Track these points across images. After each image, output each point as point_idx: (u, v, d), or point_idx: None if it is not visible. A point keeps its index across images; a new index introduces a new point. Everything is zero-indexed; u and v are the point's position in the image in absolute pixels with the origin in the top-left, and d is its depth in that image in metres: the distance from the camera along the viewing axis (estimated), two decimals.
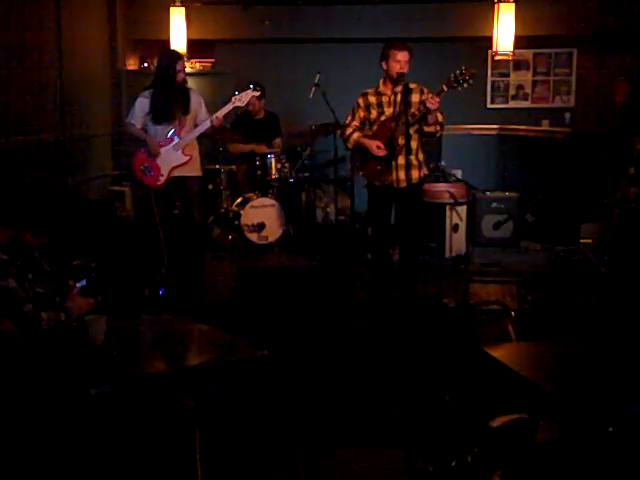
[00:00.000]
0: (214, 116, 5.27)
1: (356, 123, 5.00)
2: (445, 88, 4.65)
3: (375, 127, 4.94)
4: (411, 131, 4.81)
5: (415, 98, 4.85)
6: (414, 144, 4.86)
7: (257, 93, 5.44)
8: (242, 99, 5.35)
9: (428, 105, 4.64)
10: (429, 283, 5.50)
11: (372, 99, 4.96)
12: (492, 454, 2.30)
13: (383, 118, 4.91)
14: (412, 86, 4.84)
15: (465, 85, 4.66)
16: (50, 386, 2.51)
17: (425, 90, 4.89)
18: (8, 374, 2.58)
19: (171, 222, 5.60)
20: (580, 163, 6.97)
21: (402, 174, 4.83)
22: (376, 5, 7.93)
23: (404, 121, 4.70)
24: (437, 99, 4.63)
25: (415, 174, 4.94)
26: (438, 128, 4.91)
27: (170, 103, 5.30)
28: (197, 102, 5.43)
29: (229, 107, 5.35)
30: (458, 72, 4.64)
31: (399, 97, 4.81)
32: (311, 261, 6.27)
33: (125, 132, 5.88)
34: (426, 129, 4.87)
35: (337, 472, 3.13)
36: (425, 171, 5.08)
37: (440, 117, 4.86)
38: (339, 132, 5.15)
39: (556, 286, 5.26)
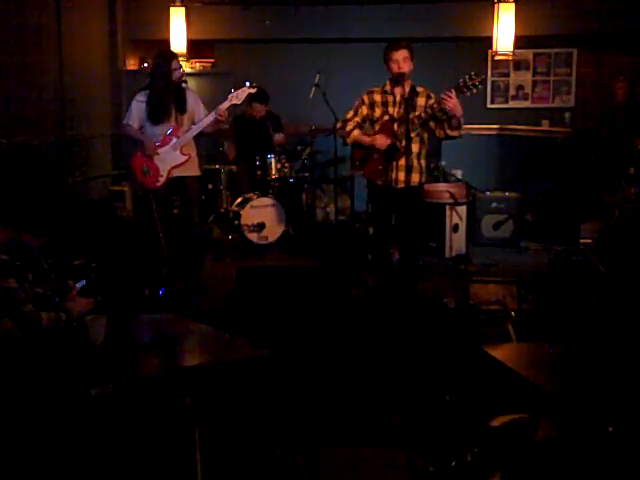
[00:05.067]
0: (217, 109, 5.26)
1: (358, 119, 4.94)
2: (454, 92, 4.59)
3: (377, 127, 4.90)
4: (413, 134, 4.75)
5: (420, 102, 4.82)
6: (415, 147, 4.82)
7: (253, 90, 5.42)
8: (239, 96, 5.35)
9: (446, 104, 4.56)
10: (429, 283, 5.50)
11: (377, 97, 4.91)
12: (492, 454, 2.30)
13: (386, 118, 4.87)
14: (419, 90, 4.84)
15: (475, 91, 4.59)
16: (50, 386, 2.51)
17: (432, 96, 4.87)
18: (8, 374, 2.58)
19: (171, 222, 5.59)
20: (580, 163, 6.97)
21: (402, 175, 4.79)
22: (376, 5, 7.94)
23: (407, 122, 4.69)
24: (453, 95, 4.54)
25: (415, 178, 4.90)
26: (462, 133, 4.86)
27: (167, 102, 5.29)
28: (194, 101, 5.42)
29: (226, 105, 5.34)
30: (467, 77, 4.57)
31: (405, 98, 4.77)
32: (311, 261, 6.27)
33: (123, 133, 5.87)
34: (450, 132, 4.80)
35: (337, 472, 3.14)
36: (424, 178, 5.04)
37: (462, 120, 4.77)
38: (338, 125, 5.07)
39: (556, 286, 5.26)
